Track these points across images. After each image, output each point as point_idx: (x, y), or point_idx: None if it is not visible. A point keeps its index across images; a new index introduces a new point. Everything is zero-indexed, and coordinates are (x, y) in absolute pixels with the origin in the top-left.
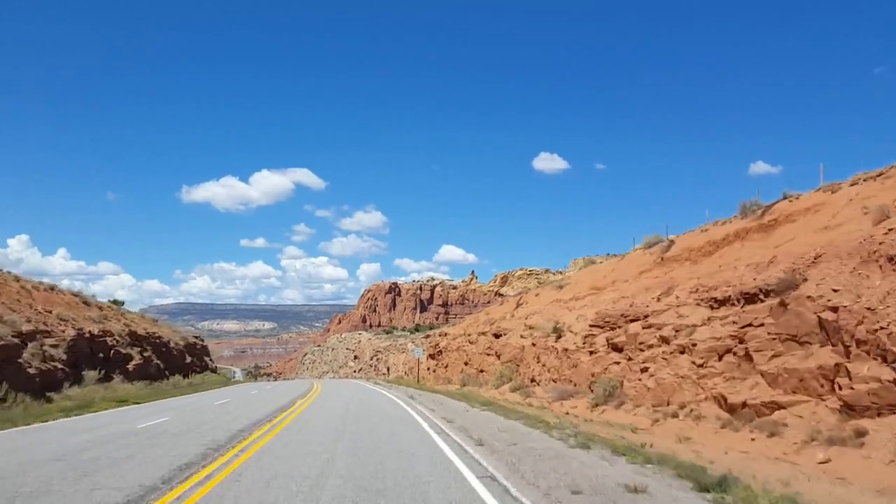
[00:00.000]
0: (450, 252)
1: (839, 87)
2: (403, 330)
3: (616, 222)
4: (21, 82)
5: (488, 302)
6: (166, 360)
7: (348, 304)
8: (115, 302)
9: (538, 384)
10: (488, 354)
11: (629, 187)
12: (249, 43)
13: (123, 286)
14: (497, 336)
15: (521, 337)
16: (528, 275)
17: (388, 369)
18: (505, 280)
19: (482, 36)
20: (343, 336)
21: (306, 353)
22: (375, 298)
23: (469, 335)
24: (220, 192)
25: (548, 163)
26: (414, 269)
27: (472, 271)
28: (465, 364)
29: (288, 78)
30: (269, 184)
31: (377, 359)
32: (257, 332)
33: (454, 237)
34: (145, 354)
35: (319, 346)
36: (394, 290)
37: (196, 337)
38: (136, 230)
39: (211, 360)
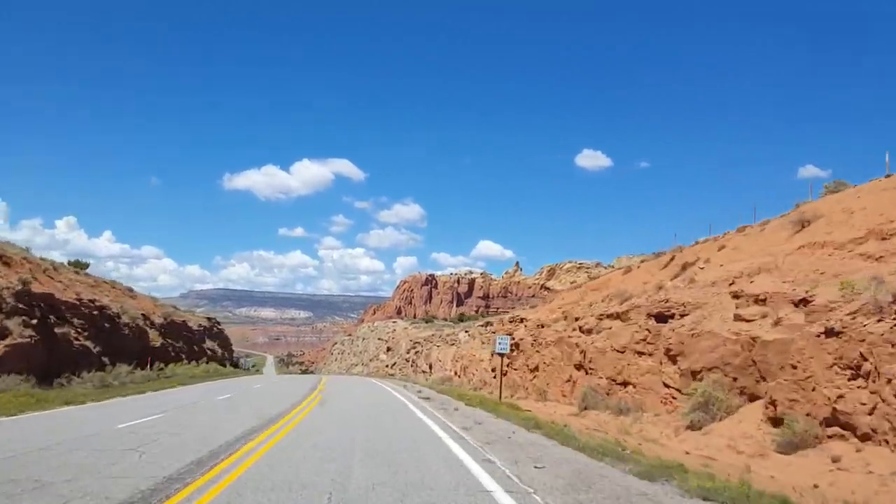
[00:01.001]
0: (487, 248)
1: (892, 88)
2: (445, 320)
3: (658, 221)
4: (70, 69)
5: (533, 296)
6: (109, 340)
7: (384, 297)
8: (76, 264)
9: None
10: (641, 353)
11: (673, 186)
12: (295, 37)
13: (165, 270)
14: (663, 318)
15: (743, 320)
16: (578, 268)
17: (431, 366)
18: (552, 273)
19: (528, 34)
20: (375, 325)
21: (336, 344)
22: (411, 290)
23: (579, 319)
24: (261, 180)
25: (591, 160)
26: (451, 263)
27: (517, 262)
28: (580, 368)
29: (331, 70)
30: (309, 174)
31: (416, 352)
32: (293, 320)
33: (492, 233)
34: (52, 329)
35: (350, 335)
36: (430, 282)
37: (209, 318)
38: (179, 216)
39: (223, 345)
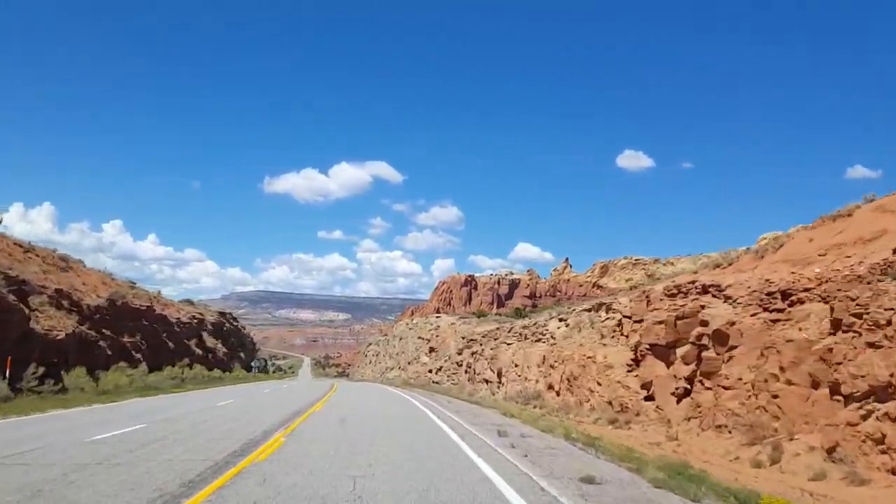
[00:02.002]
0: (525, 250)
1: None
2: (499, 315)
3: (703, 223)
4: (115, 74)
5: (584, 295)
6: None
7: (422, 299)
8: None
9: None
10: None
11: (717, 187)
12: (333, 40)
13: (207, 273)
14: None
15: None
16: (634, 264)
17: (500, 374)
18: (605, 270)
19: (569, 36)
20: (414, 321)
21: (370, 344)
22: (450, 291)
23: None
24: (301, 183)
25: (632, 161)
26: (489, 266)
27: (566, 259)
28: None
29: (371, 73)
30: (347, 176)
31: (473, 353)
32: (331, 322)
33: (531, 235)
34: None
35: (385, 335)
36: (470, 283)
37: (223, 314)
38: (220, 219)
39: (235, 346)
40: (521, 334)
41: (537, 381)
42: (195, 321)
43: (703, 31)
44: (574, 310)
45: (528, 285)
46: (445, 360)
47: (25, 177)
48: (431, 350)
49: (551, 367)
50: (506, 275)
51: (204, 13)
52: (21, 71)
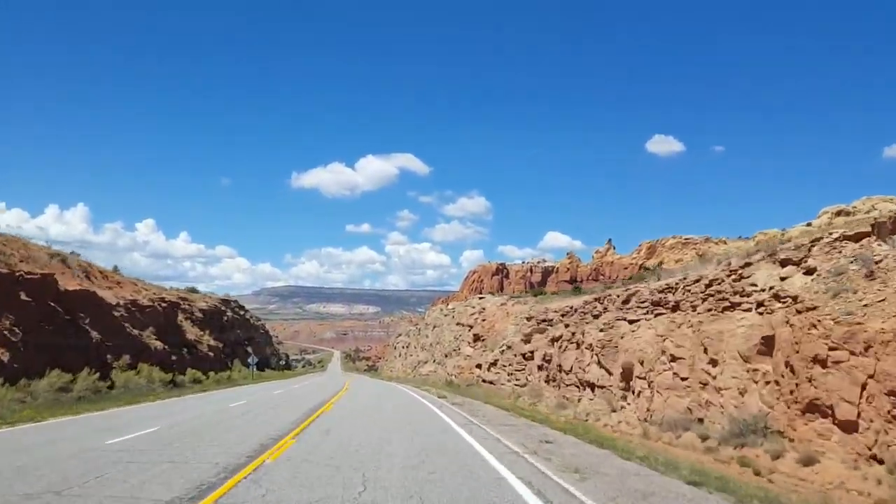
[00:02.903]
0: (555, 238)
1: None
2: (555, 293)
3: (737, 204)
4: (148, 78)
5: (630, 278)
6: None
7: (451, 291)
8: None
9: None
10: None
11: (750, 170)
12: (357, 34)
13: (239, 269)
14: None
15: None
16: (684, 244)
17: (630, 376)
18: (652, 250)
19: (593, 23)
20: (450, 307)
21: (399, 335)
22: (481, 280)
23: None
24: (328, 177)
25: (662, 145)
26: (518, 255)
27: (609, 240)
28: None
29: (393, 64)
30: (373, 169)
31: (556, 341)
32: (361, 315)
33: (560, 223)
34: None
35: (416, 325)
36: (501, 271)
37: (225, 301)
38: (249, 215)
39: (237, 341)
40: (664, 304)
41: (744, 392)
42: (162, 306)
43: (726, 20)
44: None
45: (569, 269)
46: (502, 351)
47: (59, 179)
48: (477, 339)
49: (793, 356)
50: (538, 262)
51: (230, 12)
52: (52, 73)
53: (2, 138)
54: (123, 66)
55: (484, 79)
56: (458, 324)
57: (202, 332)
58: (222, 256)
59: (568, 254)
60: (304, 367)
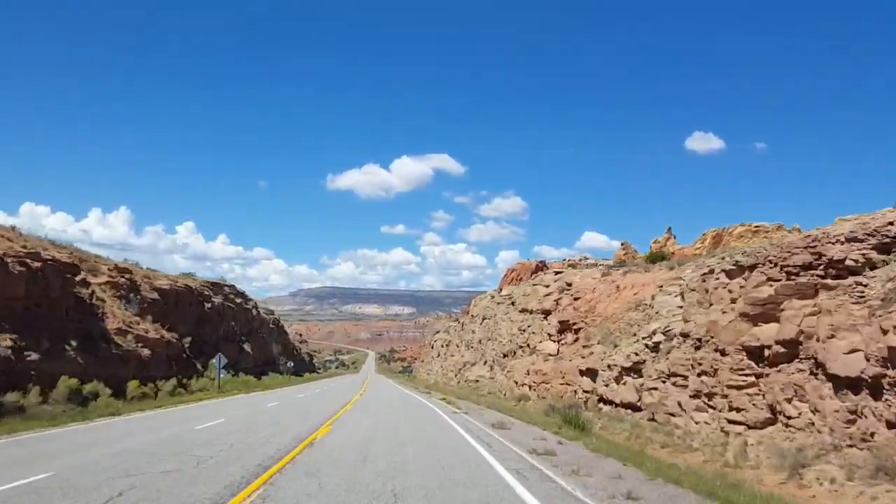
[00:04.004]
0: (592, 238)
1: None
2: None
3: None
4: (184, 84)
5: None
6: None
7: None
8: None
9: None
10: None
11: (793, 168)
12: (391, 35)
13: (276, 270)
14: None
15: None
16: (754, 232)
17: None
18: (718, 239)
19: (630, 21)
20: (505, 292)
21: (437, 332)
22: (520, 278)
23: None
24: (362, 179)
25: (702, 142)
26: (554, 256)
27: (669, 228)
28: None
29: (429, 65)
30: (408, 170)
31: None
32: (397, 316)
33: (597, 223)
34: None
35: (458, 321)
36: (541, 268)
37: (214, 284)
38: (286, 217)
39: (246, 333)
40: None
41: None
42: (40, 267)
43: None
44: None
45: (624, 261)
46: (653, 346)
47: (102, 182)
48: (565, 329)
49: None
50: (580, 259)
51: (267, 15)
52: (94, 81)
53: (47, 143)
54: (165, 73)
55: (520, 78)
56: (522, 311)
57: (160, 327)
58: (260, 258)
59: (622, 243)
60: (337, 367)
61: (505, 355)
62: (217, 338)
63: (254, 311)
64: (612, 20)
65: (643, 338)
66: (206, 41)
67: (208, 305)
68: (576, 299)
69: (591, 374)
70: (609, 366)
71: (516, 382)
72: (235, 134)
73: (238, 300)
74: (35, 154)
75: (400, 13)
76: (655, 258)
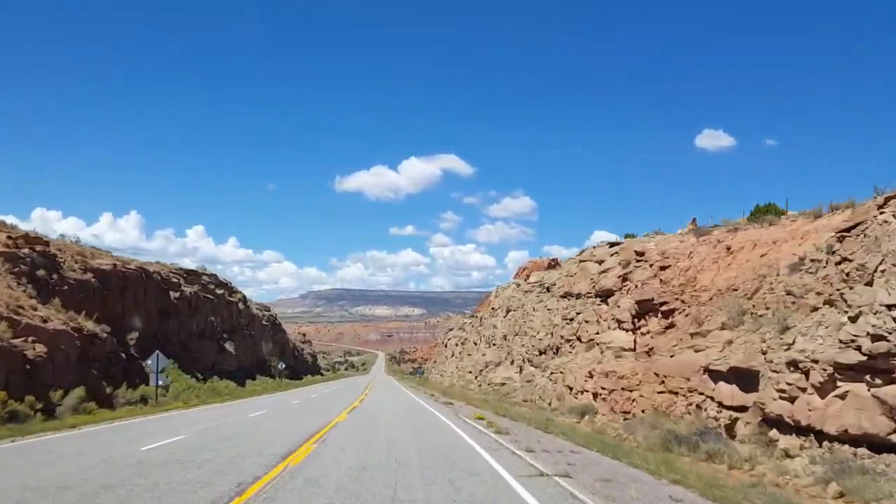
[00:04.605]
0: (602, 238)
1: None
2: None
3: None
4: (191, 87)
5: None
6: None
7: None
8: None
9: None
10: None
11: (805, 163)
12: (397, 35)
13: (286, 273)
14: None
15: None
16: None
17: None
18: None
19: (637, 19)
20: (535, 278)
21: (451, 330)
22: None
23: None
24: (371, 181)
25: (711, 140)
26: (564, 256)
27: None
28: None
29: (436, 65)
30: (417, 171)
31: None
32: (407, 317)
33: (607, 222)
34: None
35: (475, 316)
36: (553, 266)
37: (190, 273)
38: (295, 219)
39: (227, 330)
40: None
41: None
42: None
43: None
44: None
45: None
46: (874, 321)
47: (113, 187)
48: (651, 311)
49: None
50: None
51: (276, 17)
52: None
53: (58, 147)
54: (171, 75)
55: (527, 78)
56: (565, 296)
57: (67, 310)
58: (270, 261)
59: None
60: (346, 369)
61: (542, 352)
62: (187, 334)
63: (240, 306)
64: (618, 18)
65: (874, 311)
66: (212, 42)
67: (175, 295)
68: (662, 269)
69: (742, 377)
70: (793, 363)
71: (570, 388)
72: (243, 136)
73: (220, 291)
74: (46, 159)
75: (407, 13)
76: (763, 211)
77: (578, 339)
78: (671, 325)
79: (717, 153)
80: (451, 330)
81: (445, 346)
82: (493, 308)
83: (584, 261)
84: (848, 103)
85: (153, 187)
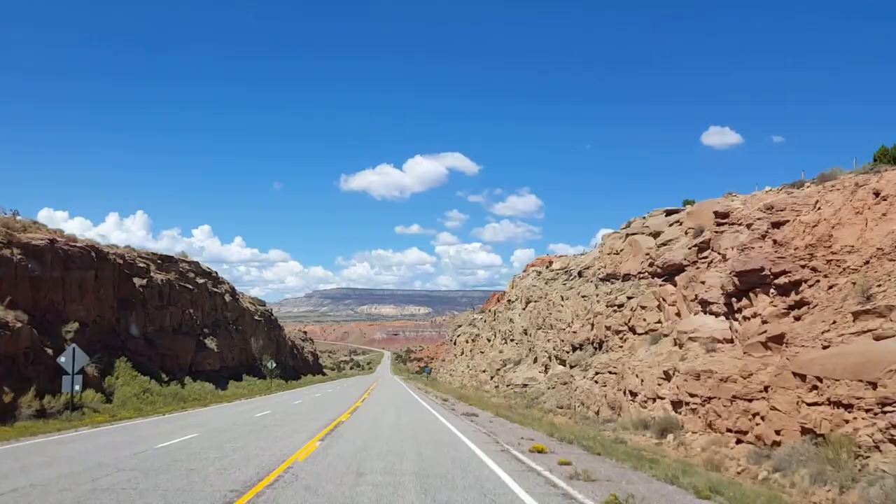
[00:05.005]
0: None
1: None
2: None
3: None
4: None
5: None
6: None
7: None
8: None
9: None
10: None
11: (812, 159)
12: (401, 33)
13: (292, 272)
14: None
15: None
16: None
17: None
18: None
19: (646, 18)
20: (557, 266)
21: (459, 327)
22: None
23: None
24: (376, 179)
25: (718, 137)
26: (571, 253)
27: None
28: None
29: (440, 63)
30: (422, 170)
31: None
32: (413, 316)
33: (612, 221)
34: None
35: (488, 310)
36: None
37: (166, 257)
38: (301, 219)
39: (205, 328)
40: None
41: None
42: None
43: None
44: None
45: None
46: None
47: (119, 187)
48: (761, 286)
49: None
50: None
51: (277, 15)
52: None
53: (65, 149)
54: (177, 75)
55: (533, 75)
56: (607, 278)
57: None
58: (276, 260)
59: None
60: (351, 368)
61: (577, 347)
62: (157, 329)
63: (227, 298)
64: (624, 16)
65: None
66: (218, 42)
67: (141, 282)
68: (775, 226)
69: None
70: None
71: (631, 393)
72: (249, 136)
73: (201, 281)
74: (53, 159)
75: (412, 11)
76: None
77: (632, 329)
78: (801, 304)
79: (723, 150)
80: (459, 326)
81: (454, 343)
82: (508, 300)
83: (633, 234)
84: (854, 98)
85: (159, 187)
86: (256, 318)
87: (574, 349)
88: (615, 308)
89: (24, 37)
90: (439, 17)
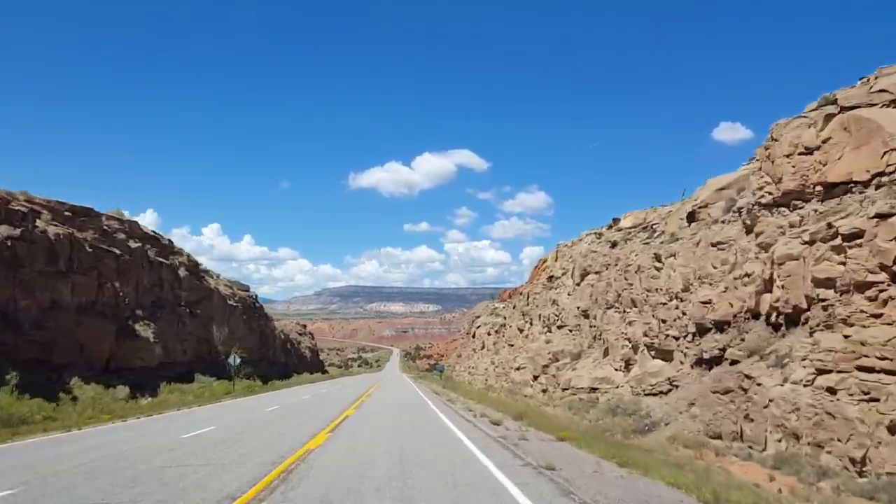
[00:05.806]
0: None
1: None
2: None
3: None
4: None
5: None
6: None
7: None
8: None
9: None
10: None
11: None
12: (410, 31)
13: (301, 270)
14: None
15: None
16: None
17: None
18: None
19: (654, 14)
20: (635, 220)
21: (478, 317)
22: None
23: None
24: (385, 177)
25: (729, 133)
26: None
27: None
28: None
29: (450, 61)
30: (431, 167)
31: None
32: (422, 313)
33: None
34: None
35: (505, 302)
36: None
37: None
38: (309, 217)
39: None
40: None
41: None
42: None
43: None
44: None
45: None
46: None
47: (129, 186)
48: None
49: None
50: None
51: (283, 16)
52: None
53: (76, 148)
54: (183, 75)
55: (541, 73)
56: (781, 199)
57: None
58: (285, 258)
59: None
60: (359, 365)
61: (710, 328)
62: (47, 306)
63: (181, 272)
64: (631, 15)
65: None
66: (226, 43)
67: (14, 233)
68: None
69: None
70: None
71: None
72: (258, 135)
73: (135, 245)
74: (62, 157)
75: (412, 11)
76: None
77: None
78: None
79: (734, 146)
80: (478, 317)
81: (473, 336)
82: (550, 276)
83: (852, 108)
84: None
85: (169, 186)
86: (231, 303)
87: (703, 332)
88: (836, 245)
89: (24, 37)
90: (439, 17)
